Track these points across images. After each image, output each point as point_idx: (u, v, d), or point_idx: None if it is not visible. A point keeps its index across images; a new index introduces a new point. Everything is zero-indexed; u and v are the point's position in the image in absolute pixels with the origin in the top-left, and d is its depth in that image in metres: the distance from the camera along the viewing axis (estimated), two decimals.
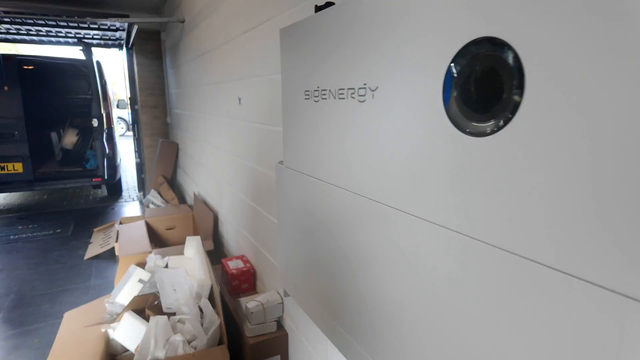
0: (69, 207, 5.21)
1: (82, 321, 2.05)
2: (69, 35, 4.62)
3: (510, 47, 0.35)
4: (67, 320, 2.11)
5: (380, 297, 0.60)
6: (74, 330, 1.99)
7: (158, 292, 2.04)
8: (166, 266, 2.27)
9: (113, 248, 3.58)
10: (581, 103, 0.33)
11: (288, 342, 1.78)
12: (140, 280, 2.01)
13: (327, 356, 1.42)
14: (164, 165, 4.70)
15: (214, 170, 2.93)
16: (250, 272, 2.12)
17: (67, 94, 5.84)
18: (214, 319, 1.88)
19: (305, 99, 0.74)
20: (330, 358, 1.38)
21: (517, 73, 0.35)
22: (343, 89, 0.62)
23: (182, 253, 2.49)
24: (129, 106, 5.44)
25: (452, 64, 0.41)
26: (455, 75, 0.42)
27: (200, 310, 1.99)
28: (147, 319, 1.91)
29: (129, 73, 5.35)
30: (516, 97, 0.35)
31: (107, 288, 2.89)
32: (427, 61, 0.45)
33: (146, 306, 1.94)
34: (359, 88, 0.58)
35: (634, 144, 0.30)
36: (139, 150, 5.45)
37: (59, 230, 4.25)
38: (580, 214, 0.35)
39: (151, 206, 4.22)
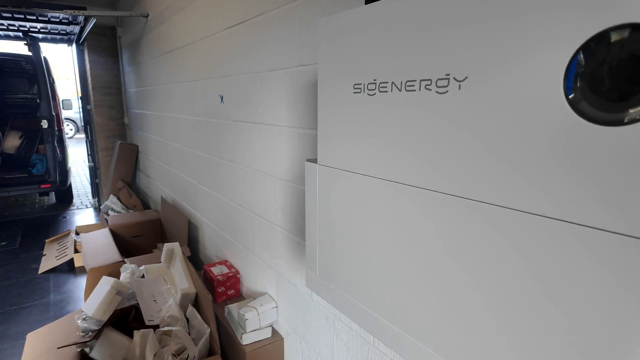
0: (12, 217, 4.74)
1: (50, 342, 1.86)
2: (12, 27, 4.20)
3: None
4: (31, 342, 1.91)
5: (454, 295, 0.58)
6: (42, 352, 1.80)
7: (138, 304, 1.90)
8: (143, 276, 2.12)
9: (72, 260, 3.30)
10: None
11: (284, 347, 1.73)
12: (118, 293, 1.86)
13: (333, 357, 1.39)
14: (123, 169, 4.41)
15: (186, 172, 2.79)
16: (237, 277, 2.04)
17: (5, 93, 5.32)
18: (203, 329, 1.79)
19: (355, 92, 0.70)
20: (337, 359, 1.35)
21: None
22: (413, 81, 0.59)
23: (158, 261, 2.34)
24: (81, 106, 5.06)
25: (581, 51, 0.40)
26: (585, 62, 0.41)
27: (187, 320, 1.88)
28: (128, 333, 1.77)
29: (79, 71, 4.98)
30: None
31: (71, 304, 2.65)
32: (545, 49, 0.44)
33: (129, 320, 1.80)
34: (439, 79, 0.56)
35: None
36: (92, 154, 5.08)
37: (3, 243, 3.85)
38: None
39: (111, 213, 3.94)
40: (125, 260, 2.41)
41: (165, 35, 2.86)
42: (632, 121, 0.37)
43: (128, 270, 2.12)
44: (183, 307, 1.90)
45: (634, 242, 0.38)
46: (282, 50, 1.46)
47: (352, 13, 0.69)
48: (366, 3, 0.68)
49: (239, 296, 2.05)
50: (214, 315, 1.76)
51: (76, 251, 3.43)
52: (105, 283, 1.99)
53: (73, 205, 5.37)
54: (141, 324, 1.81)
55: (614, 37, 0.37)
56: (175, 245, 2.20)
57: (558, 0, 0.42)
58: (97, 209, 5.15)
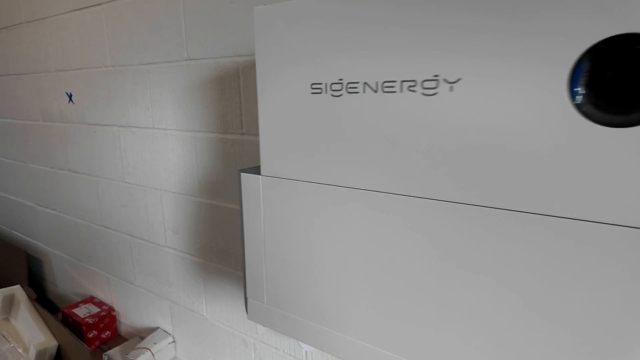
0: None
1: None
2: None
3: None
4: None
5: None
6: None
7: None
8: None
9: None
10: None
11: None
12: None
13: None
14: None
15: (14, 192, 2.18)
16: (112, 315, 1.69)
17: None
18: None
19: (315, 93, 0.62)
20: None
21: None
22: (393, 82, 0.54)
23: None
24: None
25: (588, 55, 0.42)
26: (591, 66, 0.42)
27: None
28: None
29: None
30: None
31: None
32: (551, 51, 0.44)
33: None
34: (425, 80, 0.52)
35: None
36: None
37: None
38: None
39: None
40: None
41: None
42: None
43: None
44: None
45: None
46: (162, 41, 1.24)
47: (306, 2, 0.60)
48: None
49: (116, 337, 1.70)
50: None
51: None
52: None
53: None
54: None
55: (622, 41, 0.39)
56: (16, 290, 1.70)
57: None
58: None
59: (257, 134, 1.08)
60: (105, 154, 1.54)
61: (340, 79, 0.59)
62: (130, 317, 1.65)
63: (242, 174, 0.74)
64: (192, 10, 1.14)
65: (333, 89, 0.60)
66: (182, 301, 1.42)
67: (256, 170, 0.75)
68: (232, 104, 1.12)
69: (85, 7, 1.45)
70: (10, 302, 1.69)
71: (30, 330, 1.57)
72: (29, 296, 1.71)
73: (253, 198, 0.73)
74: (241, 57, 1.08)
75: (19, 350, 1.55)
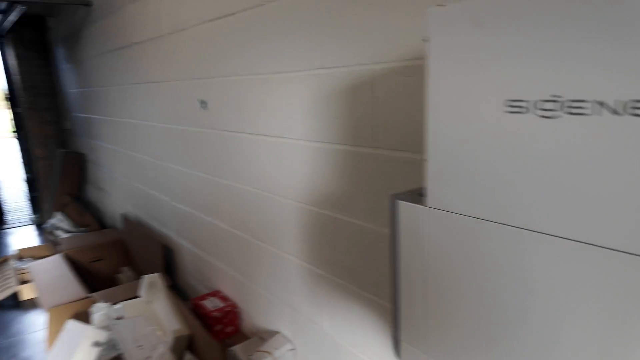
0: None
1: None
2: None
3: None
4: None
5: None
6: None
7: (121, 354, 1.57)
8: (121, 317, 1.77)
9: (15, 293, 2.79)
10: None
11: None
12: (96, 344, 1.52)
13: None
14: (68, 182, 3.87)
15: (155, 187, 2.43)
16: (234, 312, 1.77)
17: None
18: None
19: (511, 112, 0.49)
20: None
21: None
22: None
23: (130, 293, 2.00)
24: (10, 109, 4.36)
25: None
26: None
27: None
28: None
29: (4, 68, 4.28)
30: None
31: (25, 349, 2.21)
32: None
33: None
34: None
35: None
36: (28, 163, 4.43)
37: None
38: None
39: (59, 233, 3.43)
40: (91, 295, 2.03)
41: (116, 28, 2.45)
42: None
43: (101, 310, 1.76)
44: (177, 353, 1.60)
45: None
46: (292, 49, 1.21)
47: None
48: None
49: (238, 333, 1.78)
50: None
51: (23, 281, 2.92)
52: (75, 331, 1.64)
53: (6, 224, 4.67)
54: None
55: None
56: (156, 277, 1.88)
57: None
58: (39, 226, 4.52)
59: (394, 149, 0.98)
60: (236, 160, 1.60)
61: (556, 95, 0.45)
62: (251, 316, 1.71)
63: (400, 202, 0.64)
64: (324, 15, 1.08)
65: (543, 107, 0.46)
66: (303, 311, 1.41)
67: (412, 197, 0.65)
68: (364, 115, 1.04)
69: (219, 18, 1.50)
70: (153, 288, 1.88)
71: (167, 317, 1.72)
72: (166, 284, 1.89)
73: (414, 231, 0.63)
74: (378, 65, 0.98)
75: (158, 333, 1.71)
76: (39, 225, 4.55)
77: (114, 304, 1.84)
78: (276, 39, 1.26)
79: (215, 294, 1.88)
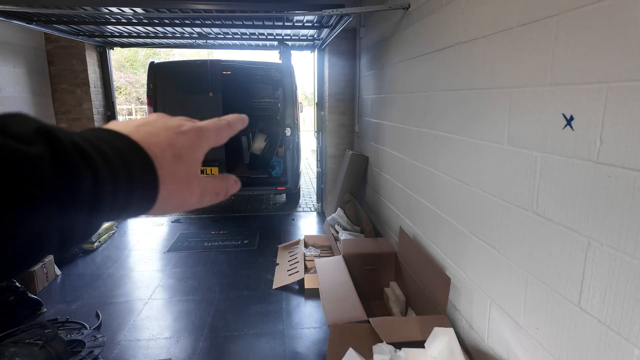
0: (252, 212, 5.18)
1: None
2: (270, 37, 4.42)
3: None
4: None
5: None
6: None
7: None
8: None
9: (302, 280, 3.11)
10: None
11: None
12: None
13: None
14: (351, 181, 4.13)
15: (446, 210, 2.07)
16: None
17: (254, 97, 5.90)
18: None
19: None
20: None
21: None
22: None
23: (413, 335, 1.70)
24: (315, 112, 5.10)
25: None
26: None
27: None
28: None
29: (318, 76, 5.00)
30: None
31: (304, 344, 2.34)
32: None
33: None
34: None
35: None
36: (321, 160, 5.07)
37: (246, 242, 4.10)
38: None
39: (338, 228, 3.67)
40: (369, 320, 1.88)
41: (436, 28, 2.21)
42: None
43: (384, 354, 1.54)
44: None
45: None
46: None
47: None
48: None
49: None
50: None
51: (306, 268, 3.24)
52: None
53: (299, 207, 5.55)
54: None
55: None
56: (449, 333, 1.51)
57: None
58: (320, 214, 5.14)
59: None
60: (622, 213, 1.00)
61: None
62: None
63: None
64: None
65: None
66: None
67: None
68: None
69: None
70: (441, 343, 1.52)
71: None
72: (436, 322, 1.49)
73: None
74: None
75: None
76: (320, 211, 5.19)
77: (396, 346, 1.59)
78: None
79: None
